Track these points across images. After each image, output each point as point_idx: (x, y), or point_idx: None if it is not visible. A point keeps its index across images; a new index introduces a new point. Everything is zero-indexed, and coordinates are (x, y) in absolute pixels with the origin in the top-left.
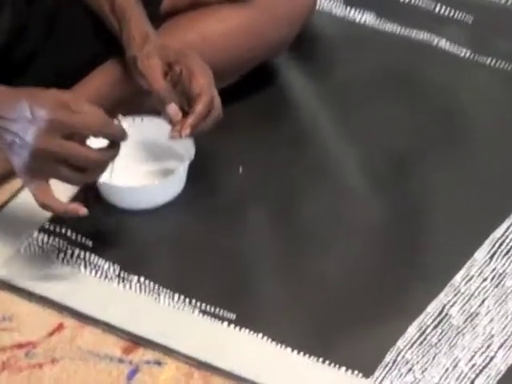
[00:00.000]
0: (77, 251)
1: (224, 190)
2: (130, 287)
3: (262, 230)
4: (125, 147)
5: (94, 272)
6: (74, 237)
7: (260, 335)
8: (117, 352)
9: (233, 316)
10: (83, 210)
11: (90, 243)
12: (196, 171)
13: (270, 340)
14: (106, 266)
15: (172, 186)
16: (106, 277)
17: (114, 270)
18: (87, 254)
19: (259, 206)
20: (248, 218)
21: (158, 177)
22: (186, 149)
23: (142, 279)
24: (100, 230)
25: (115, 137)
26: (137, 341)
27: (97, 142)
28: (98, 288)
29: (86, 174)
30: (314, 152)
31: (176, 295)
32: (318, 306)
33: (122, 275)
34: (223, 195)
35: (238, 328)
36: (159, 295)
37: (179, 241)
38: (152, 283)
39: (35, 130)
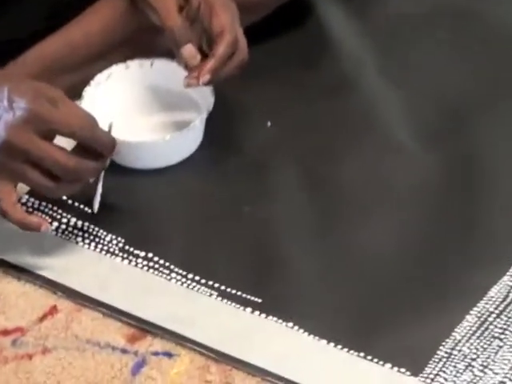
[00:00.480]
0: (73, 220)
1: (248, 148)
2: (136, 264)
3: (293, 195)
4: (131, 95)
5: (93, 245)
6: (69, 202)
7: (290, 324)
8: (120, 341)
9: (258, 300)
10: (46, 226)
11: (88, 211)
12: (215, 125)
13: (301, 330)
14: (108, 239)
15: (186, 142)
16: (108, 251)
17: (118, 244)
18: (85, 223)
19: (290, 166)
20: (276, 182)
21: (170, 130)
22: (204, 98)
23: (150, 255)
24: (101, 194)
25: (102, 144)
26: (144, 327)
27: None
28: (97, 264)
29: (61, 186)
30: (355, 103)
31: (190, 275)
32: (358, 290)
33: (126, 249)
34: (247, 154)
35: (263, 315)
36: (170, 274)
37: (195, 209)
38: (162, 260)
39: (7, 119)
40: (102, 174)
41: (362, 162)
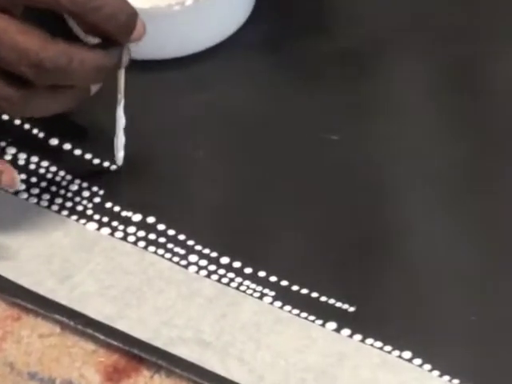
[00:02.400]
0: (34, 160)
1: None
2: (125, 236)
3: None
4: None
5: (56, 204)
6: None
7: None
8: (93, 378)
9: (351, 309)
10: (16, 185)
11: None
12: None
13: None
14: (86, 195)
15: (227, 9)
16: (84, 216)
17: (92, 200)
18: (50, 168)
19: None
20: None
21: None
22: None
23: (150, 220)
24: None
25: (112, 19)
26: (138, 353)
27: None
28: (55, 234)
29: (32, 96)
30: None
31: (224, 258)
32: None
33: (107, 211)
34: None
35: (358, 336)
36: (187, 257)
37: (239, 136)
38: (173, 231)
39: None
40: (122, 86)
41: None
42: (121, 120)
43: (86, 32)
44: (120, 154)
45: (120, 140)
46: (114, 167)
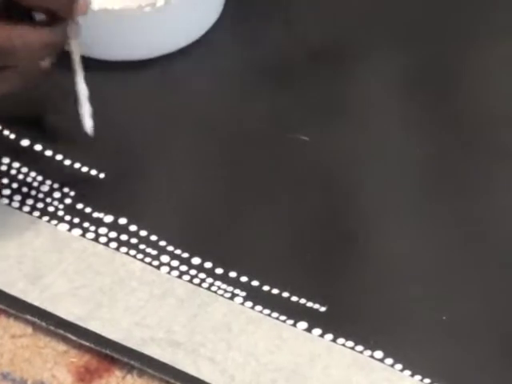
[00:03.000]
0: (6, 161)
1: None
2: (97, 237)
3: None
4: None
5: (27, 205)
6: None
7: (388, 361)
8: (65, 378)
9: (322, 309)
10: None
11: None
12: None
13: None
14: (58, 196)
15: (199, 8)
16: (55, 217)
17: (64, 201)
18: (21, 169)
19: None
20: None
21: None
22: None
23: (122, 221)
24: (45, 107)
25: None
26: (110, 353)
27: None
28: (27, 235)
29: None
30: None
31: (196, 259)
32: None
33: (79, 212)
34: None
35: (329, 336)
36: (159, 258)
37: (206, 137)
38: (144, 231)
39: None
40: (79, 67)
41: None
42: (82, 89)
43: (31, 9)
44: (88, 124)
45: (86, 109)
46: (87, 133)
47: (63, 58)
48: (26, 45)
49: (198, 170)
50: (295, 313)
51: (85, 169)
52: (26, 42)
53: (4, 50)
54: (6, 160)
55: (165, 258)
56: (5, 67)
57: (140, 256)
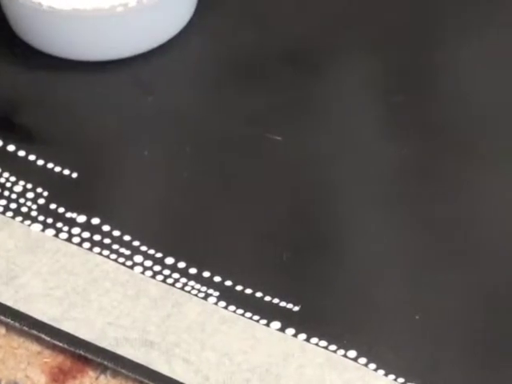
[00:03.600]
0: None
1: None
2: (70, 238)
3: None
4: None
5: (0, 206)
6: None
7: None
8: (39, 378)
9: (295, 309)
10: None
11: None
12: None
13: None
14: (31, 196)
15: (170, 10)
16: (29, 217)
17: (37, 201)
18: None
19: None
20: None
21: None
22: None
23: (95, 221)
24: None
25: None
26: (84, 354)
27: None
28: (12, 238)
29: None
30: None
31: (169, 259)
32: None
33: (52, 212)
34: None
35: (303, 336)
36: (132, 258)
37: (181, 137)
38: (118, 232)
39: None
40: None
41: None
42: None
43: None
44: None
45: None
46: None
47: (34, 61)
48: None
49: (171, 169)
50: (268, 313)
51: (58, 169)
52: None
53: None
54: None
55: (138, 258)
56: None
57: (113, 256)
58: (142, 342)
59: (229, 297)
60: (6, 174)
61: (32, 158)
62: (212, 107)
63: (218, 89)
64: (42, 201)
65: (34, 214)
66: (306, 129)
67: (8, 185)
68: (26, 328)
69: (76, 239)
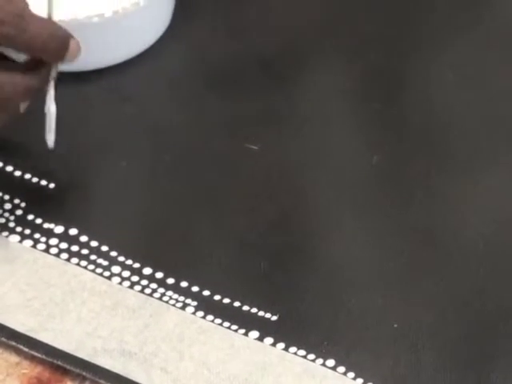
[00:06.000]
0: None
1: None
2: (48, 248)
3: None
4: None
5: None
6: None
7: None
8: None
9: (273, 318)
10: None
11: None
12: None
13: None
14: (8, 207)
15: (146, 21)
16: (6, 228)
17: (14, 212)
18: None
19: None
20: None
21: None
22: None
23: (72, 232)
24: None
25: (41, 41)
26: (62, 364)
27: None
28: None
29: None
30: None
31: (147, 270)
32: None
33: (29, 223)
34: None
35: (281, 345)
36: (110, 268)
37: (161, 148)
38: (96, 242)
39: None
40: (52, 89)
41: None
42: (52, 108)
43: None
44: (51, 139)
45: (52, 127)
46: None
47: None
48: (14, 89)
49: (149, 179)
50: (247, 322)
51: (35, 179)
52: (15, 86)
53: None
54: None
55: (116, 269)
56: None
57: (91, 267)
58: (121, 352)
59: (207, 306)
60: None
61: (9, 169)
62: (190, 116)
63: (195, 98)
64: (19, 212)
65: (11, 225)
66: (282, 137)
67: None
68: (4, 339)
69: (54, 250)
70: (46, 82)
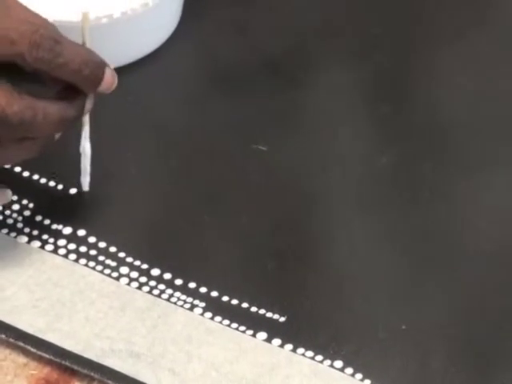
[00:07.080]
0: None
1: None
2: (56, 249)
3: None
4: None
5: None
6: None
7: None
8: None
9: (281, 319)
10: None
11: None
12: None
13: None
14: (17, 208)
15: (154, 22)
16: (14, 229)
17: (22, 213)
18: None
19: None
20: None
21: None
22: None
23: (80, 232)
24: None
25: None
26: (70, 365)
27: None
28: None
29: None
30: None
31: (155, 270)
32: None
33: (38, 224)
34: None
35: (289, 346)
36: (118, 269)
37: (170, 148)
38: (104, 243)
39: None
40: (87, 125)
41: None
42: (86, 148)
43: (52, 81)
44: (86, 181)
45: (87, 168)
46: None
47: None
48: (47, 119)
49: (157, 180)
50: (255, 323)
51: (43, 180)
52: (48, 116)
53: (28, 124)
54: None
55: (124, 270)
56: (24, 138)
57: (99, 267)
58: (129, 353)
59: (215, 307)
60: None
61: (17, 169)
62: (199, 117)
63: (202, 100)
64: (27, 213)
65: (19, 225)
66: (291, 138)
67: None
68: (12, 340)
69: (62, 251)
70: (81, 113)
